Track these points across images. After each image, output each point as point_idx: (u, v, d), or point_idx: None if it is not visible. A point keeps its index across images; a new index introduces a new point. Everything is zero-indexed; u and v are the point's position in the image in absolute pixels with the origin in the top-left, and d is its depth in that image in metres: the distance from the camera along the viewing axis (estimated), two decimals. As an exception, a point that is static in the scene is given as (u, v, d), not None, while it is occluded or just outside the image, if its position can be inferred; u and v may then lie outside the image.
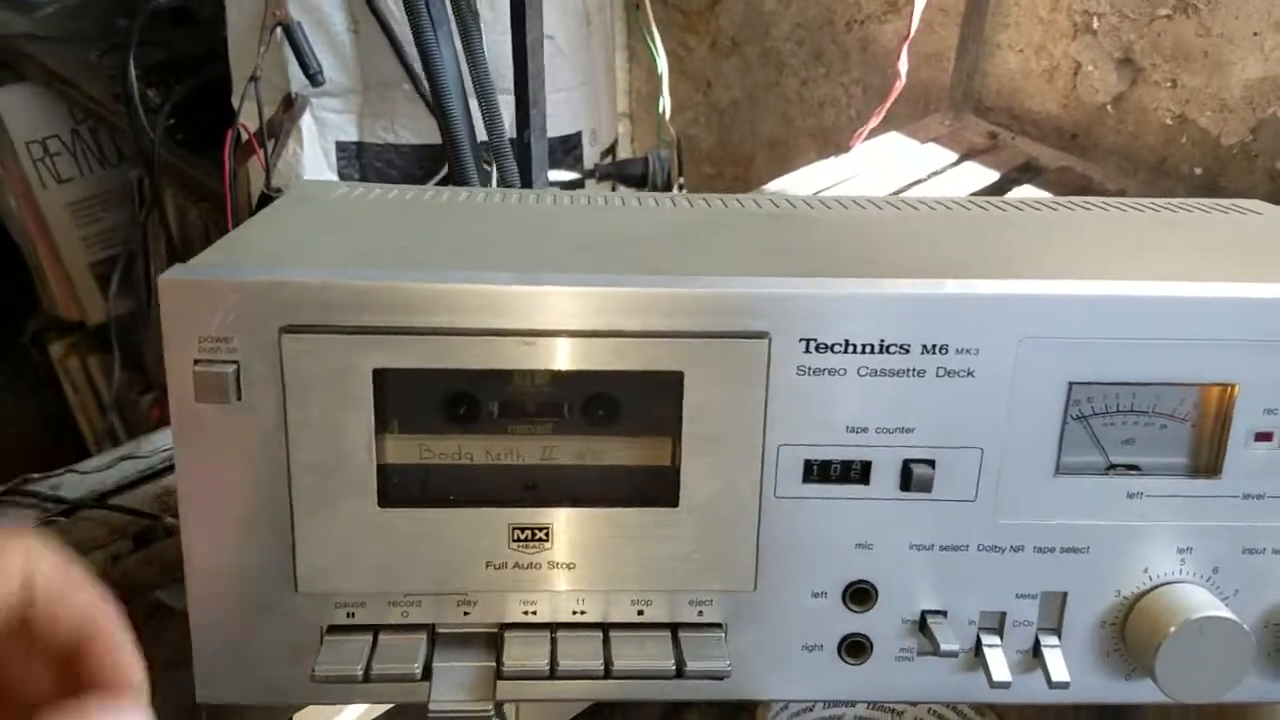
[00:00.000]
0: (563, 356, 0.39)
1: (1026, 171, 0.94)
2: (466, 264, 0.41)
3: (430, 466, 0.41)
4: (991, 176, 0.92)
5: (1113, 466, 0.41)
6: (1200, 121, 0.89)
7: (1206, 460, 0.41)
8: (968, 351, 0.39)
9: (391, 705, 0.52)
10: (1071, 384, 0.40)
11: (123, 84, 1.24)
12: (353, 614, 0.41)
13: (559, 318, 0.38)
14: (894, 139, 0.99)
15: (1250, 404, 0.40)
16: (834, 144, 1.14)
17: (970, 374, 0.39)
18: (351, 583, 0.40)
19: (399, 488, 0.40)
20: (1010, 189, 0.91)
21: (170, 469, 0.63)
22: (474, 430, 0.41)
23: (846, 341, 0.39)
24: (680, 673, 0.40)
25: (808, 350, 0.39)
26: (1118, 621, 0.42)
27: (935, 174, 0.92)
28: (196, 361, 0.37)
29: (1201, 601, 0.40)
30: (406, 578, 0.40)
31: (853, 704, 0.47)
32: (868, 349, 0.39)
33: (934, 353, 0.39)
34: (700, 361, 0.39)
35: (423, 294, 0.37)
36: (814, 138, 1.19)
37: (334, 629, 0.41)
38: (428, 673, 0.40)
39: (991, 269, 0.41)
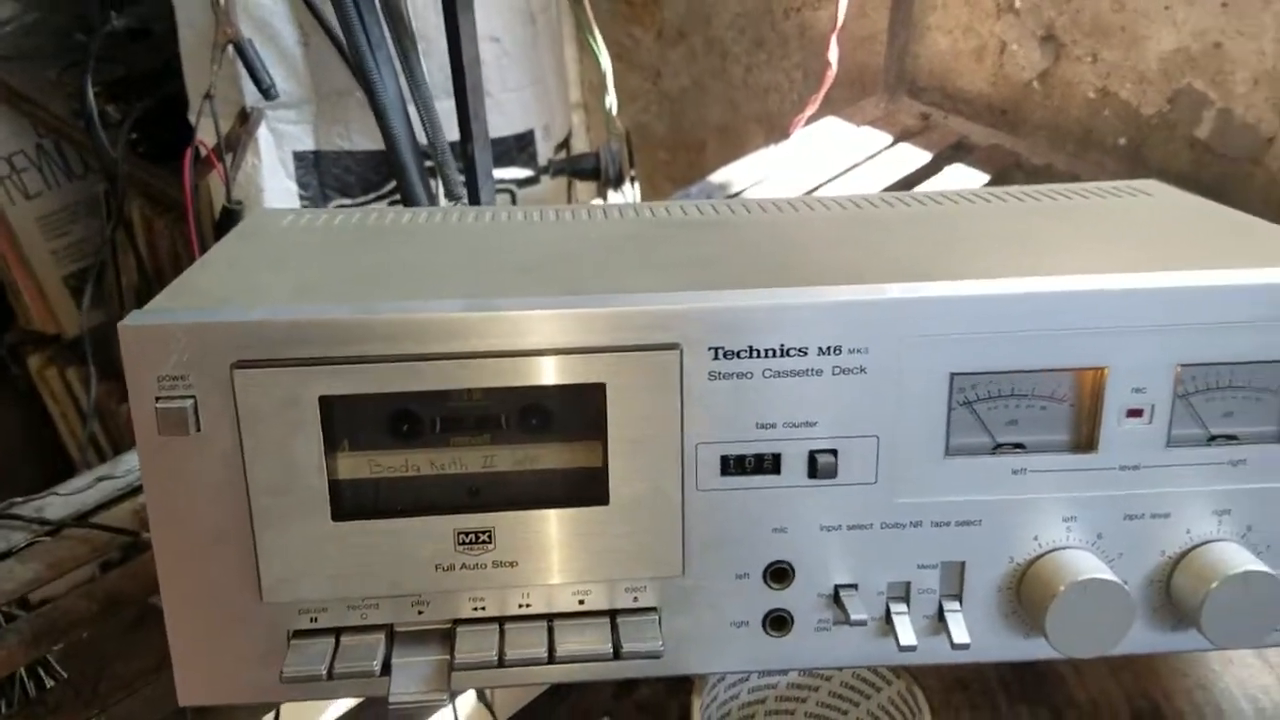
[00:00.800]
0: (495, 375, 0.42)
1: (959, 150, 0.98)
2: (405, 292, 0.45)
3: (380, 480, 0.44)
4: (925, 157, 0.96)
5: (999, 446, 0.45)
6: (1121, 94, 0.93)
7: (1085, 437, 0.45)
8: (859, 351, 0.43)
9: (362, 699, 0.56)
10: (953, 375, 0.44)
11: (81, 102, 1.26)
12: (315, 619, 0.44)
13: (489, 341, 0.42)
14: (832, 123, 1.02)
15: (1120, 385, 0.44)
16: (779, 128, 1.17)
17: (863, 371, 0.43)
18: (312, 591, 0.44)
19: (350, 502, 0.43)
20: (943, 168, 0.95)
21: (147, 486, 0.66)
22: (419, 445, 0.44)
23: (750, 348, 0.43)
24: (618, 655, 0.44)
25: (716, 357, 0.43)
26: (1013, 586, 0.46)
27: (871, 157, 0.96)
28: (157, 399, 0.41)
29: (1087, 565, 0.45)
30: (363, 584, 0.44)
31: (785, 672, 0.52)
32: (770, 353, 0.43)
33: (829, 354, 0.43)
34: (620, 373, 0.43)
35: (360, 325, 0.41)
36: (760, 122, 1.22)
37: (299, 633, 0.44)
38: (387, 669, 0.44)
39: (879, 273, 0.45)
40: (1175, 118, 0.91)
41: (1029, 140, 0.99)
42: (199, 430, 0.41)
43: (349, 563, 0.44)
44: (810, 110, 0.98)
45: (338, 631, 0.45)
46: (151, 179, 1.42)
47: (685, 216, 0.58)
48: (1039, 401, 0.45)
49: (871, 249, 0.52)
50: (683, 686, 0.55)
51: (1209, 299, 0.43)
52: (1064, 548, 0.46)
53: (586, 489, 0.44)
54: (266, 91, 1.05)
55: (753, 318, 0.42)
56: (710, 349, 0.43)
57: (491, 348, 0.42)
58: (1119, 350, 0.43)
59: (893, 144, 0.98)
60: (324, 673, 0.43)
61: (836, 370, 0.43)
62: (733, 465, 0.44)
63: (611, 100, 1.02)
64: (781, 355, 0.43)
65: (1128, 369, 0.44)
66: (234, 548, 0.43)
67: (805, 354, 0.43)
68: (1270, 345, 0.44)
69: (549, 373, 0.42)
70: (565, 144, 1.25)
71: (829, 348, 0.43)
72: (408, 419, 0.44)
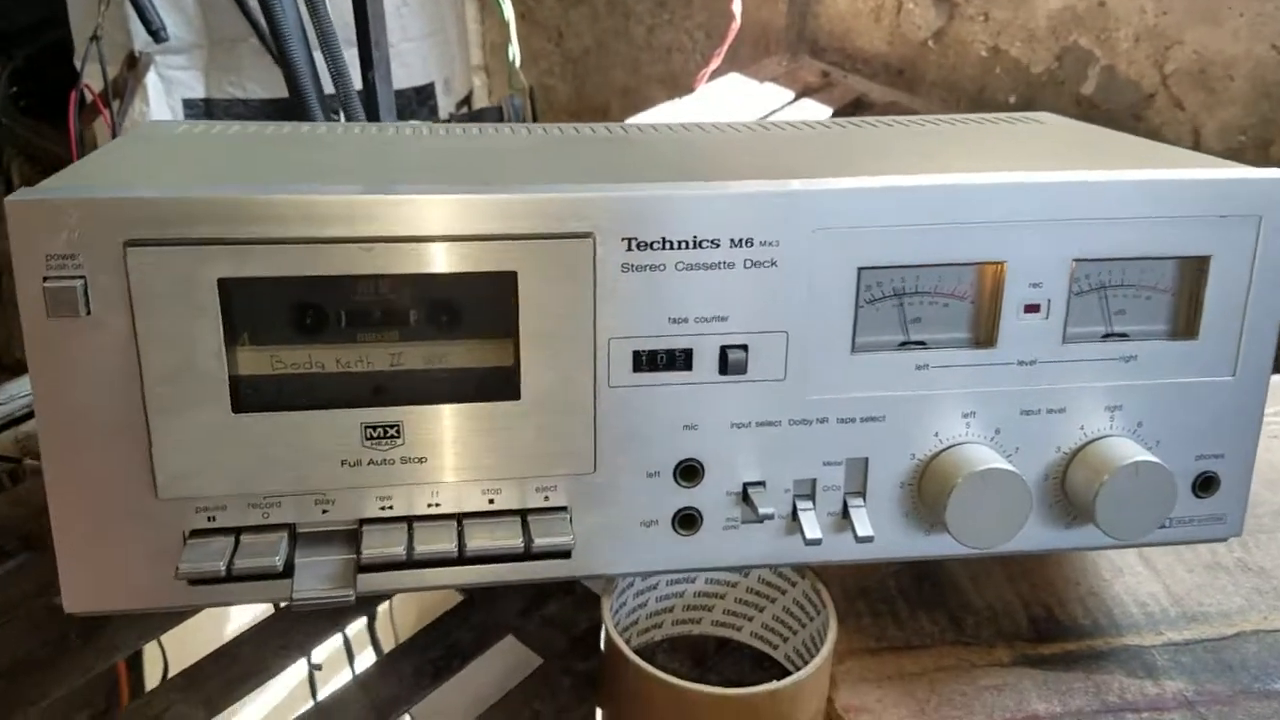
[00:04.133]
0: (402, 261, 0.41)
1: (858, 107, 1.00)
2: (306, 180, 0.44)
3: (282, 377, 0.43)
4: (825, 112, 0.98)
5: (904, 344, 0.46)
6: (1012, 52, 0.96)
7: (984, 333, 0.46)
8: (770, 244, 0.43)
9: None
10: (861, 269, 0.44)
11: (-46, 49, 1.20)
12: (213, 518, 0.43)
13: (396, 225, 0.41)
14: (735, 79, 1.03)
15: (1018, 279, 0.45)
16: (682, 89, 1.18)
17: (774, 264, 0.44)
18: (210, 487, 0.42)
19: (252, 394, 0.42)
20: (844, 123, 0.97)
21: (29, 415, 0.63)
22: (323, 340, 0.43)
23: (664, 239, 0.43)
24: (528, 550, 0.44)
25: (629, 248, 0.43)
26: (914, 482, 0.47)
27: (773, 111, 0.97)
28: (45, 279, 0.39)
29: (985, 457, 0.46)
30: (264, 480, 0.43)
31: (693, 579, 0.52)
32: (683, 245, 0.43)
33: (741, 246, 0.43)
34: (531, 262, 0.42)
35: (260, 205, 0.40)
36: (663, 83, 1.23)
37: (196, 533, 0.43)
38: (290, 570, 0.43)
39: (790, 171, 0.45)
40: (1063, 74, 0.94)
41: (925, 99, 1.01)
42: (89, 313, 0.39)
43: (250, 457, 0.42)
44: (714, 64, 0.99)
45: (237, 531, 0.43)
46: (34, 136, 1.36)
47: (593, 134, 0.58)
48: (941, 299, 0.46)
49: (780, 157, 0.52)
50: (592, 602, 0.55)
51: (1101, 194, 0.45)
52: (963, 443, 0.47)
53: (497, 384, 0.44)
54: (156, 34, 1.01)
55: (667, 207, 0.42)
56: (623, 239, 0.42)
57: (398, 232, 0.41)
58: (1016, 244, 0.45)
59: (794, 100, 1.00)
60: (222, 569, 0.41)
61: (749, 263, 0.44)
62: (644, 361, 0.44)
63: (514, 51, 1.01)
64: (694, 247, 0.43)
65: (1025, 263, 0.45)
66: (127, 440, 0.41)
67: (718, 246, 0.43)
68: (1159, 241, 0.45)
69: (458, 260, 0.42)
70: (467, 102, 1.23)
71: (741, 240, 0.43)
72: (311, 312, 0.43)
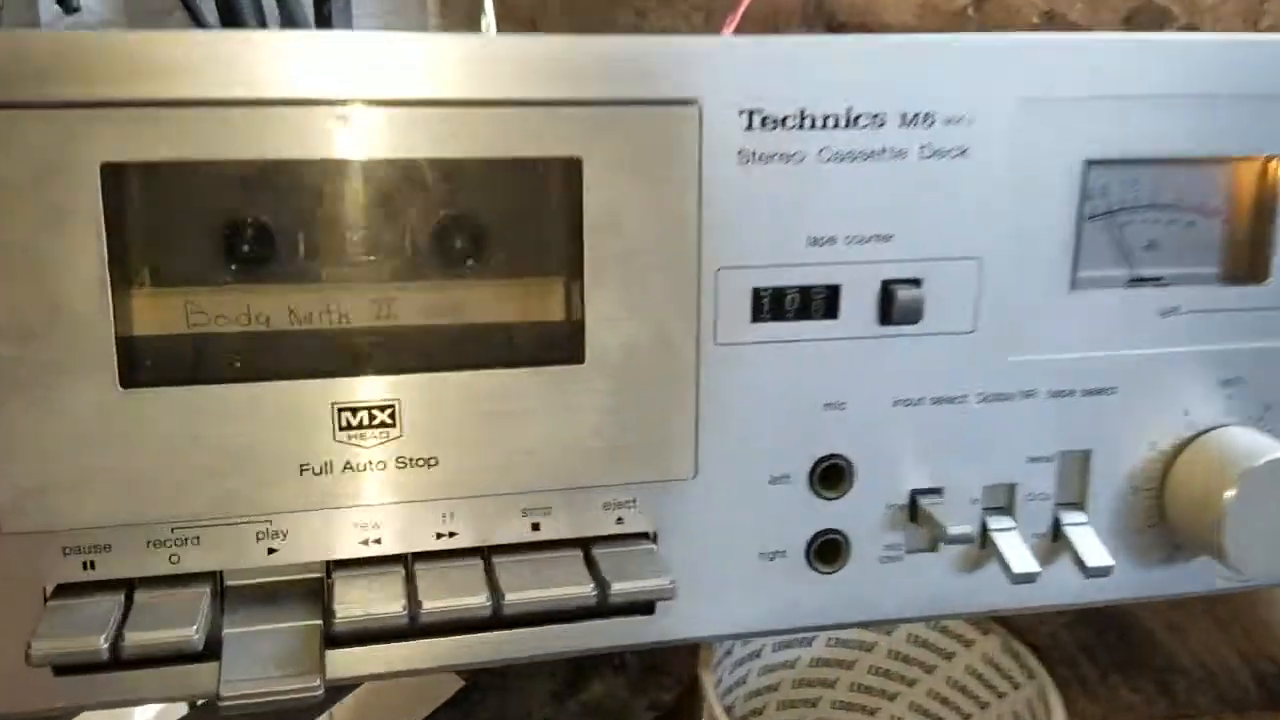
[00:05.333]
0: (397, 140, 0.26)
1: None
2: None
3: (204, 336, 0.27)
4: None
5: (1134, 280, 0.31)
6: (1070, 15, 0.84)
7: (1246, 264, 0.32)
8: (958, 121, 0.29)
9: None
10: (1089, 163, 0.30)
11: None
12: (91, 563, 0.26)
13: (389, 82, 0.25)
14: (747, 56, 0.90)
15: (1306, 183, 0.31)
16: (676, 81, 1.04)
17: (963, 153, 0.29)
18: (86, 512, 0.26)
19: (154, 362, 0.26)
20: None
21: None
22: (270, 278, 0.27)
23: (802, 112, 0.28)
24: (604, 602, 0.28)
25: (750, 125, 0.28)
26: (1153, 487, 0.32)
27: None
28: None
29: (1263, 446, 0.31)
30: (173, 500, 0.26)
31: (809, 643, 0.36)
32: (831, 122, 0.28)
33: (916, 124, 0.29)
34: (605, 143, 0.27)
35: (173, 48, 0.24)
36: (653, 76, 1.09)
37: (63, 589, 0.26)
38: (216, 648, 0.26)
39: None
40: (1130, 41, 0.82)
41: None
42: (-122, 216, 0.23)
43: (149, 463, 0.26)
44: (726, 34, 0.85)
45: (129, 584, 0.27)
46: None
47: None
48: (1185, 215, 0.32)
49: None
50: (650, 680, 0.39)
51: None
52: (1223, 424, 0.32)
53: (548, 341, 0.28)
54: (66, 4, 0.85)
55: (808, 63, 0.28)
56: (743, 112, 0.28)
57: (392, 94, 0.26)
58: (1308, 130, 0.31)
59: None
60: (105, 648, 0.25)
61: (926, 151, 0.29)
62: (769, 304, 0.29)
63: (489, 23, 0.86)
64: (848, 125, 0.28)
65: (1318, 157, 0.31)
66: (-55, 435, 0.25)
67: (882, 124, 0.28)
68: None
69: (489, 138, 0.26)
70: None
71: (916, 116, 0.29)
72: (252, 231, 0.27)
